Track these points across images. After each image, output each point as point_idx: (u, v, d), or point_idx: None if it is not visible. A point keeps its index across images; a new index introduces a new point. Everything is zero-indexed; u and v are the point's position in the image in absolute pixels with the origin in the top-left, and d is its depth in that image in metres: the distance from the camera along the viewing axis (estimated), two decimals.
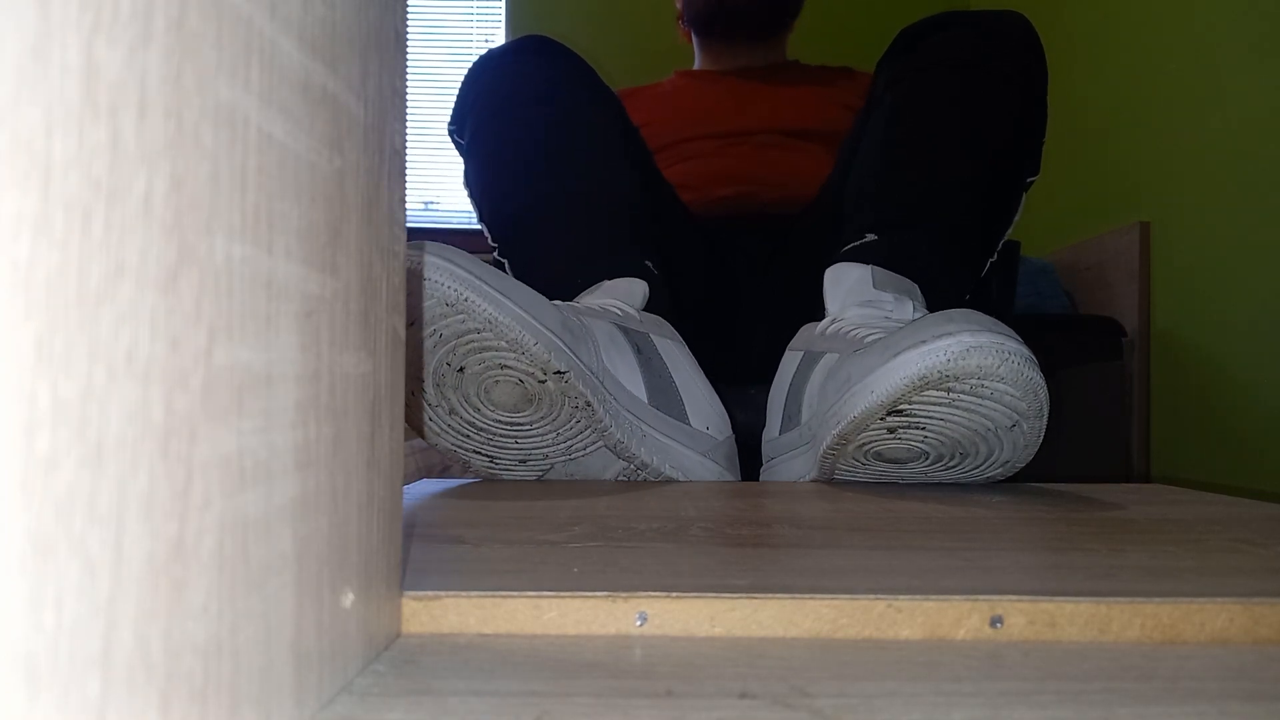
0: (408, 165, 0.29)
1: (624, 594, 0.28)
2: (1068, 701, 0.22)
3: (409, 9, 0.34)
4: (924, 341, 0.53)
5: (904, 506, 0.50)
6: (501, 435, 0.62)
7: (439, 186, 2.72)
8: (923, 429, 0.56)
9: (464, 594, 0.28)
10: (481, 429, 0.62)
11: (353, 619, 0.23)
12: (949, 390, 0.53)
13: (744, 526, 0.42)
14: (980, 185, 0.78)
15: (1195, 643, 0.27)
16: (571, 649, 0.26)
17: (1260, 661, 0.25)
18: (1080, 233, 1.96)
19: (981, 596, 0.28)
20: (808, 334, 0.72)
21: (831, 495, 0.55)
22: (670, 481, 0.64)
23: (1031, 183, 0.82)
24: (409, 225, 2.63)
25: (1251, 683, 0.24)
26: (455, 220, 2.71)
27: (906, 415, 0.55)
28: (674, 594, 0.28)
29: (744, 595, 0.28)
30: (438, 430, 0.62)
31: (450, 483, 0.63)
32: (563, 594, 0.28)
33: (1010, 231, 0.82)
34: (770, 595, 0.28)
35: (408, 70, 0.28)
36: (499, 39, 2.68)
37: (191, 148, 0.15)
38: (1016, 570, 0.32)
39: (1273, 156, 1.39)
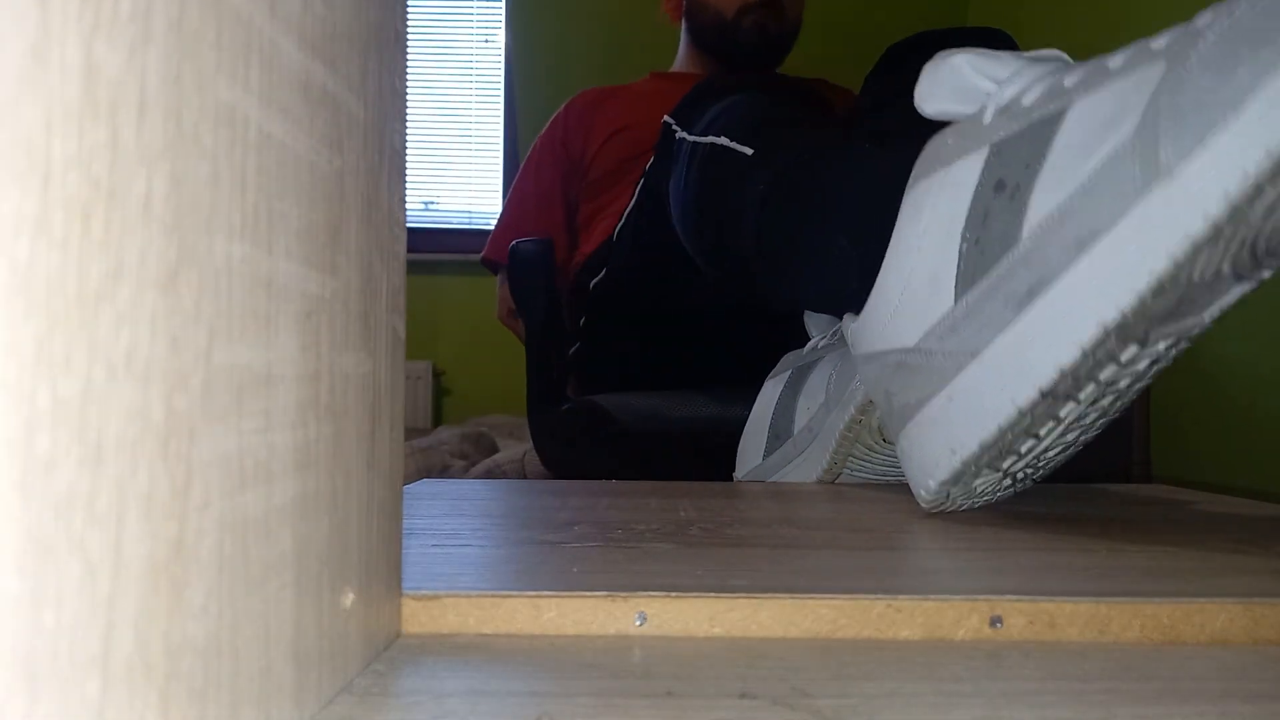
0: (408, 165, 0.29)
1: (624, 594, 0.28)
2: (1068, 702, 0.22)
3: (409, 9, 0.34)
4: None
5: (904, 506, 0.50)
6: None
7: (439, 186, 2.72)
8: None
9: (464, 594, 0.28)
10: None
11: (353, 619, 0.23)
12: None
13: (744, 526, 0.42)
14: None
15: (1195, 643, 0.27)
16: (571, 649, 0.26)
17: (1261, 662, 0.25)
18: None
19: (981, 597, 0.28)
20: (792, 358, 0.72)
21: (831, 495, 0.55)
22: (670, 481, 0.64)
23: None
24: (409, 225, 2.62)
25: (1252, 683, 0.24)
26: (455, 220, 2.71)
27: None
28: (674, 594, 0.28)
29: (744, 595, 0.28)
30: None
31: (450, 483, 0.63)
32: (562, 594, 0.28)
33: None
34: (770, 595, 0.28)
35: (408, 70, 0.28)
36: (499, 39, 2.68)
37: (191, 148, 0.15)
38: (1016, 570, 0.32)
39: None
